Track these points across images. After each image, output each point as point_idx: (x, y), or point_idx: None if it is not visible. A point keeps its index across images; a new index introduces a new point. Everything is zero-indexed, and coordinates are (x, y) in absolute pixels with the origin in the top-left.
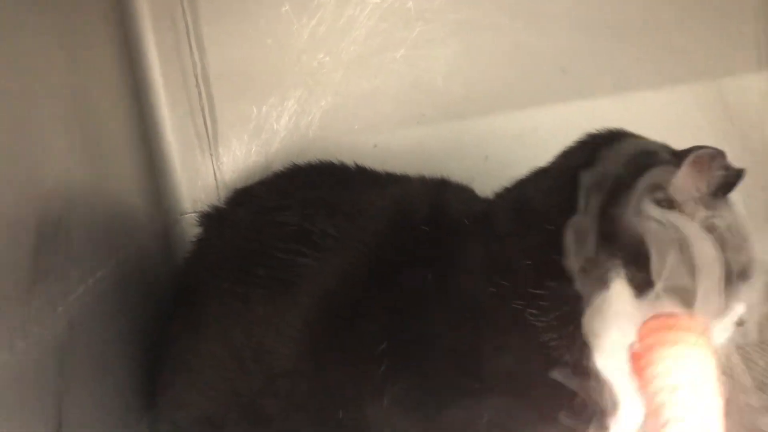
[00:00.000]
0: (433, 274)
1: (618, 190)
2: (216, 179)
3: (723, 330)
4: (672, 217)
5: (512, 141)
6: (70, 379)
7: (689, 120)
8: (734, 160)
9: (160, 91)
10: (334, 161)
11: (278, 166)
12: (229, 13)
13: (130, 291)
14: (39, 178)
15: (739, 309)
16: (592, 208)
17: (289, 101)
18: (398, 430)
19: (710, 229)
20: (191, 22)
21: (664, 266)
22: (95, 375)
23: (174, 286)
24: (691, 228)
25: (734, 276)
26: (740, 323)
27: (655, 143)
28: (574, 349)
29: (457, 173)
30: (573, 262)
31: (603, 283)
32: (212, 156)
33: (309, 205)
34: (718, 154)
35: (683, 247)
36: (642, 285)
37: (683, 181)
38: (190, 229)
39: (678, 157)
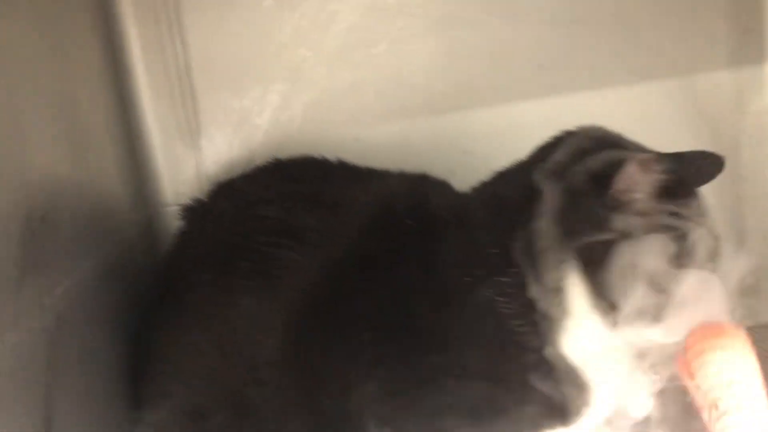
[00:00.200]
0: (413, 266)
1: (561, 186)
2: (198, 172)
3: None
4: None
5: (491, 135)
6: (58, 371)
7: (662, 115)
8: None
9: (143, 83)
10: (317, 156)
11: (261, 159)
12: (211, 6)
13: (115, 283)
14: (25, 172)
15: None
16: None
17: (271, 95)
18: (382, 416)
19: (662, 229)
20: (174, 15)
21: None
22: (82, 367)
23: (157, 279)
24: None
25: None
26: None
27: (621, 141)
28: (539, 334)
29: (437, 167)
30: (527, 252)
31: (557, 274)
32: (194, 149)
33: (292, 199)
34: (657, 159)
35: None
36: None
37: (626, 184)
38: (173, 221)
39: (624, 159)
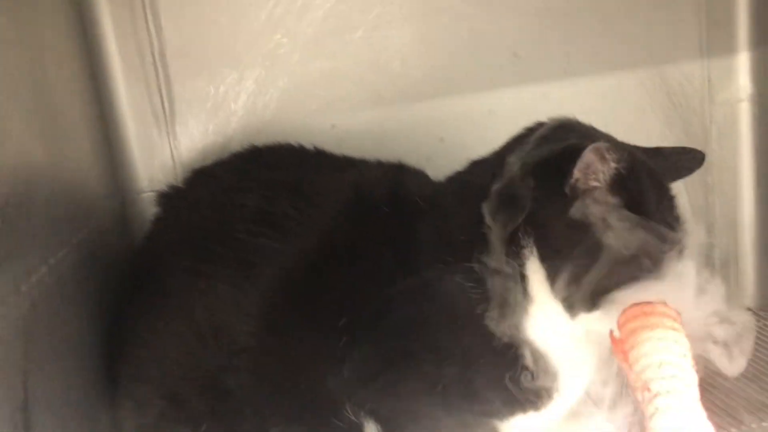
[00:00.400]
0: (388, 253)
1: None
2: (173, 158)
3: None
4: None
5: (467, 123)
6: (34, 358)
7: (634, 104)
8: (676, 144)
9: (117, 69)
10: (293, 143)
11: (236, 146)
12: None
13: (91, 270)
14: None
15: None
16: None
17: (246, 81)
18: (358, 400)
19: (616, 219)
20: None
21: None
22: (59, 353)
23: (132, 265)
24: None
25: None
26: None
27: (592, 133)
28: (506, 319)
29: (413, 154)
30: (493, 239)
31: (520, 261)
32: (169, 135)
33: (268, 186)
34: (611, 149)
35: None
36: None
37: (584, 172)
38: (148, 208)
39: (582, 147)
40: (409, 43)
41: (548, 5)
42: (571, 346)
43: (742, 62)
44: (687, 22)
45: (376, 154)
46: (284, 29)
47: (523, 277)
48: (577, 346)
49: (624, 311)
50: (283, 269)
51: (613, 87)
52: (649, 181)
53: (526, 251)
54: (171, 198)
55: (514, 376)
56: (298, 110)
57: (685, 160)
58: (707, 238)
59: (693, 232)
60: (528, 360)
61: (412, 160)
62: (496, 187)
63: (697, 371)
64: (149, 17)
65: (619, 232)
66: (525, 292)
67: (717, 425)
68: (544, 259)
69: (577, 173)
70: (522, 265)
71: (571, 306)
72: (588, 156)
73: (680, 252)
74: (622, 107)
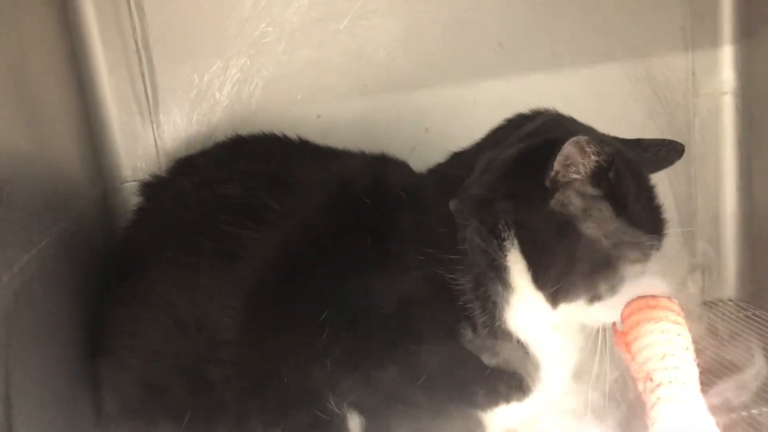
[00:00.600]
0: (370, 245)
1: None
2: (157, 147)
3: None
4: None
5: (452, 113)
6: (16, 349)
7: (618, 96)
8: (660, 137)
9: (99, 56)
10: (278, 133)
11: (220, 135)
12: None
13: (73, 259)
14: None
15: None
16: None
17: (231, 70)
18: (340, 391)
19: (597, 210)
20: None
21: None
22: (41, 343)
23: (115, 255)
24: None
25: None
26: None
27: (573, 125)
28: (487, 310)
29: (398, 144)
30: (474, 231)
31: (501, 252)
32: (153, 123)
33: (252, 178)
34: (591, 142)
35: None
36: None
37: (564, 164)
38: (131, 197)
39: (563, 140)
40: (395, 34)
41: None
42: (553, 337)
43: (726, 55)
44: (672, 15)
45: (361, 144)
46: (270, 18)
47: (504, 268)
48: (559, 337)
49: (628, 304)
50: (265, 261)
51: (597, 78)
52: (629, 172)
53: (507, 243)
54: (154, 187)
55: (495, 366)
56: (283, 100)
57: (666, 151)
58: (689, 229)
59: (673, 222)
60: (510, 350)
61: (396, 150)
62: (494, 180)
63: (698, 364)
64: (132, 4)
65: (599, 223)
66: (506, 283)
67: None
68: (524, 250)
69: (557, 166)
70: (503, 257)
71: (552, 296)
72: (568, 149)
73: (660, 242)
74: (607, 99)
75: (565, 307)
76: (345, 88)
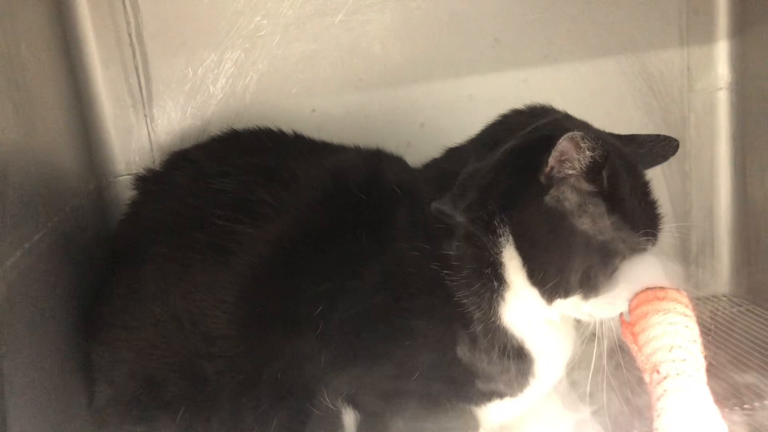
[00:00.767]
0: (365, 241)
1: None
2: (151, 141)
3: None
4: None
5: (447, 108)
6: (10, 343)
7: (614, 91)
8: (655, 132)
9: (93, 49)
10: (273, 128)
11: (215, 129)
12: None
13: (66, 254)
14: None
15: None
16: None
17: (225, 63)
18: (335, 387)
19: (592, 206)
20: None
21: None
22: (34, 337)
23: (109, 248)
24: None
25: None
26: None
27: (567, 120)
28: (482, 306)
29: (393, 139)
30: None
31: (496, 248)
32: (147, 117)
33: (247, 172)
34: (586, 137)
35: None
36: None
37: (559, 160)
38: (125, 191)
39: (557, 136)
40: (390, 28)
41: None
42: (548, 333)
43: (721, 51)
44: (667, 10)
45: (357, 138)
46: (264, 11)
47: (499, 264)
48: (554, 333)
49: (636, 295)
50: (259, 256)
51: (593, 73)
52: (624, 167)
53: (502, 239)
54: (148, 181)
55: (490, 362)
56: (277, 93)
57: (660, 147)
58: (684, 224)
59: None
60: (504, 346)
61: (392, 145)
62: (489, 176)
63: (705, 357)
64: None
65: (594, 219)
66: (501, 278)
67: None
68: (519, 246)
69: (552, 162)
70: (498, 253)
71: (546, 292)
72: (563, 144)
73: (656, 237)
74: (602, 94)
75: (560, 303)
76: (340, 82)
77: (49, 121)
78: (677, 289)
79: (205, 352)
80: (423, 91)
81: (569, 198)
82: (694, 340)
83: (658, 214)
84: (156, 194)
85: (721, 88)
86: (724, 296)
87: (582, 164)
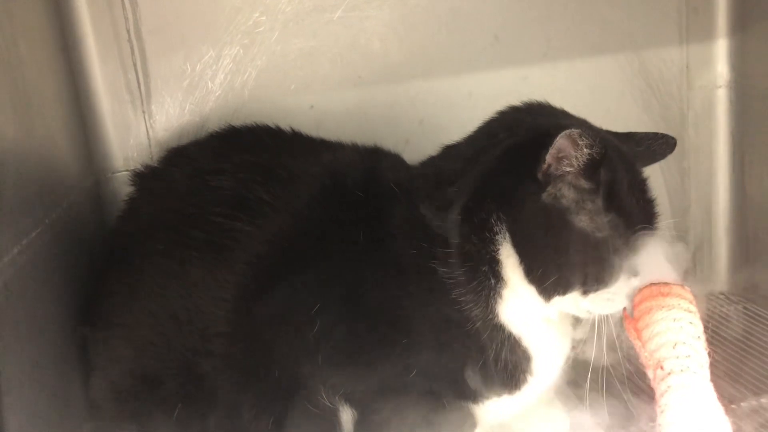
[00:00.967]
0: (362, 239)
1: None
2: (149, 137)
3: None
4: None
5: (446, 105)
6: (6, 339)
7: (613, 89)
8: (654, 130)
9: (91, 45)
10: (271, 125)
11: (213, 125)
12: None
13: (64, 251)
14: None
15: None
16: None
17: (224, 59)
18: (332, 385)
19: (589, 203)
20: None
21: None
22: (32, 334)
23: (107, 245)
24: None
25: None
26: None
27: (564, 117)
28: (480, 303)
29: (392, 136)
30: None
31: (493, 246)
32: (145, 113)
33: (244, 170)
34: (583, 134)
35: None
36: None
37: (557, 157)
38: (122, 187)
39: (555, 133)
40: (389, 24)
41: None
42: (545, 330)
43: (720, 49)
44: (667, 8)
45: (355, 135)
46: (263, 7)
47: (496, 262)
48: (551, 330)
49: (641, 290)
50: (257, 254)
51: (592, 71)
52: (621, 165)
53: (499, 237)
54: (146, 178)
55: (487, 360)
56: (276, 90)
57: (658, 145)
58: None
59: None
60: (501, 344)
61: (391, 142)
62: (486, 174)
63: (709, 353)
64: None
65: (592, 216)
66: (499, 276)
67: None
68: (517, 244)
69: (549, 159)
70: (495, 250)
71: (544, 289)
72: (560, 142)
73: (652, 233)
74: (601, 91)
75: (558, 300)
76: (339, 78)
77: (47, 117)
78: (681, 285)
79: (202, 350)
80: (422, 88)
81: (566, 195)
82: (698, 337)
83: (656, 212)
84: (154, 191)
85: (720, 86)
86: (722, 294)
87: (579, 161)
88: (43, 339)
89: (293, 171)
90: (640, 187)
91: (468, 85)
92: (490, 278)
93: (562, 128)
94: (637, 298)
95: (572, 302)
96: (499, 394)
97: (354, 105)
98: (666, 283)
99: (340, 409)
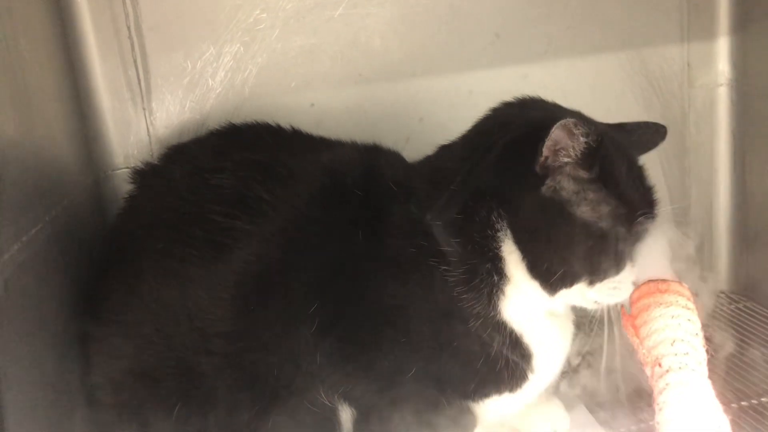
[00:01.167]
0: (361, 237)
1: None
2: (149, 135)
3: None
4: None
5: (447, 103)
6: (6, 337)
7: (614, 87)
8: None
9: (91, 42)
10: (271, 123)
11: (213, 123)
12: None
13: (64, 248)
14: None
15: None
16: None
17: (224, 57)
18: (332, 384)
19: (590, 192)
20: None
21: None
22: (31, 331)
23: (106, 243)
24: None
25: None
26: None
27: (558, 110)
28: (482, 301)
29: (392, 134)
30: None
31: (494, 242)
32: (145, 110)
33: (244, 168)
34: (578, 124)
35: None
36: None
37: (553, 149)
38: (123, 185)
39: (550, 124)
40: (390, 22)
41: None
42: (547, 327)
43: (722, 47)
44: (668, 6)
45: (355, 133)
46: (264, 4)
47: (499, 259)
48: (553, 327)
49: (638, 287)
50: (256, 252)
51: (593, 69)
52: (617, 152)
53: (501, 233)
54: (146, 175)
55: (488, 357)
56: (276, 87)
57: (648, 134)
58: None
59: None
60: (503, 341)
61: (391, 139)
62: (483, 171)
63: (707, 350)
64: None
65: (593, 205)
66: (501, 273)
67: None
68: (519, 240)
69: (546, 151)
70: (497, 247)
71: (550, 284)
72: (556, 133)
73: (653, 219)
74: (602, 89)
75: (564, 293)
76: (339, 76)
77: (47, 114)
78: (679, 282)
79: (201, 348)
80: (422, 86)
81: (566, 187)
82: (696, 334)
83: (656, 198)
84: (154, 189)
85: (721, 85)
86: (722, 293)
87: (576, 151)
88: (42, 336)
89: (293, 169)
90: (638, 173)
91: (468, 83)
92: (493, 275)
93: (556, 120)
94: (635, 295)
95: (578, 294)
96: (499, 392)
97: (354, 103)
98: (664, 280)
99: (340, 408)
